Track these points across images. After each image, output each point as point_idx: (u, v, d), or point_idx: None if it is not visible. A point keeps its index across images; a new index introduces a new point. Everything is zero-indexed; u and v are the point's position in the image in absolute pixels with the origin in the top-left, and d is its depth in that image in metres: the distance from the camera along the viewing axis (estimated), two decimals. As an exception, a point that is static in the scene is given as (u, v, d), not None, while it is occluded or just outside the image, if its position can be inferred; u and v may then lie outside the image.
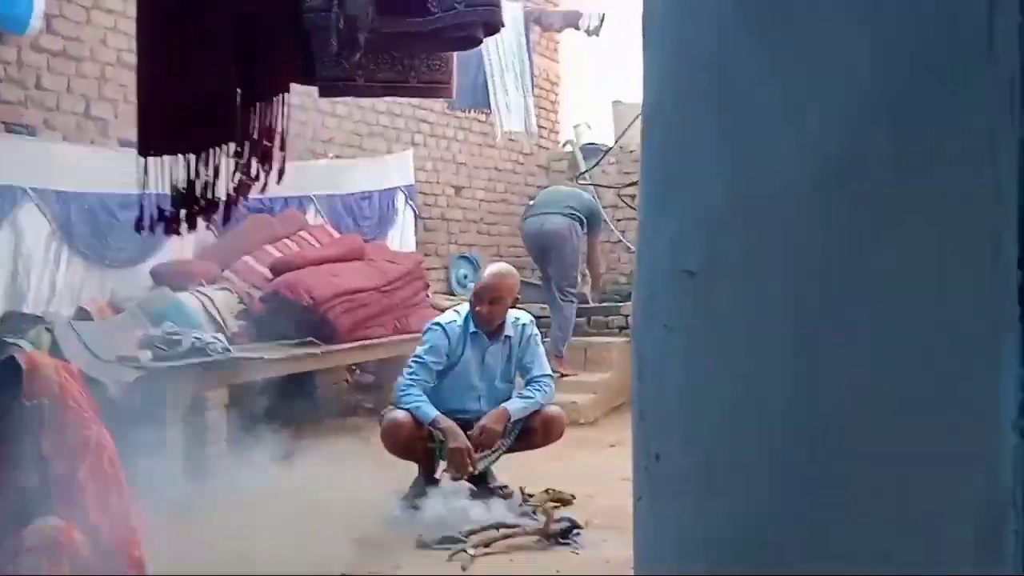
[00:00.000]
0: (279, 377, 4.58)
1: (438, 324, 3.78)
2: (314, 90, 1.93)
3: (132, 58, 5.26)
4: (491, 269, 3.85)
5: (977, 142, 0.89)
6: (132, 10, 5.30)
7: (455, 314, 3.83)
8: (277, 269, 5.19)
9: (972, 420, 0.90)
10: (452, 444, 3.47)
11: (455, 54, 2.02)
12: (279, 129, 1.73)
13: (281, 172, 1.78)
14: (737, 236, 0.98)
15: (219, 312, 4.75)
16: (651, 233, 1.04)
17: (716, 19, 0.99)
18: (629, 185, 6.39)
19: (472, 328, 3.72)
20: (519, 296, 3.87)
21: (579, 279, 6.29)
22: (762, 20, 0.97)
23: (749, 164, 0.97)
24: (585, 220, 6.19)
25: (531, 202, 6.82)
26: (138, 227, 1.81)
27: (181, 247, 5.04)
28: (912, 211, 0.91)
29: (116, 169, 5.00)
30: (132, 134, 5.23)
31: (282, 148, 1.75)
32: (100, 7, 5.28)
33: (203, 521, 3.42)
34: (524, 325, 3.84)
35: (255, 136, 1.69)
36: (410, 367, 3.70)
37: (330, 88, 1.86)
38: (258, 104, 1.68)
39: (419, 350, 3.75)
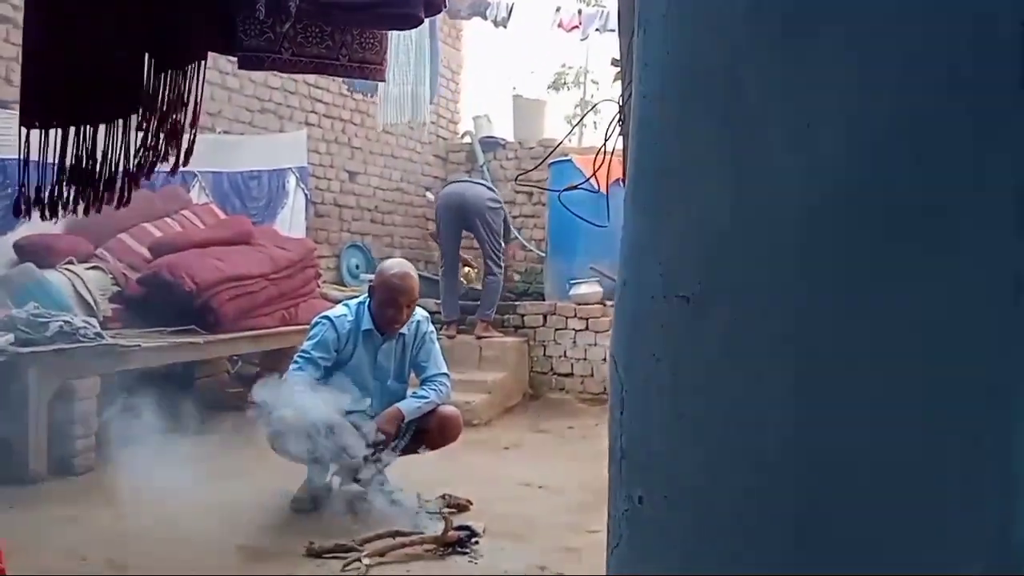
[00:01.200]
0: (156, 367, 4.27)
1: (327, 318, 3.59)
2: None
3: (9, 11, 4.84)
4: (398, 270, 3.60)
5: (1002, 177, 0.84)
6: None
7: (345, 308, 3.65)
8: (157, 250, 4.84)
9: (981, 469, 0.85)
10: (344, 444, 3.29)
11: (389, 33, 1.86)
12: (192, 102, 1.53)
13: (190, 150, 1.59)
14: (739, 261, 0.89)
15: (90, 293, 4.38)
16: (641, 252, 0.94)
17: (725, 29, 0.91)
18: (521, 174, 6.37)
19: (365, 325, 3.55)
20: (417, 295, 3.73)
21: (502, 249, 6.30)
22: (776, 34, 0.89)
23: (755, 185, 0.89)
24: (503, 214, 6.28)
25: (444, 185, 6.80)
26: (16, 210, 1.57)
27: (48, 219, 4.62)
28: (930, 245, 0.85)
29: (-20, 131, 4.55)
30: (6, 94, 4.79)
31: (193, 124, 1.56)
32: (-35, -50, 4.77)
33: (70, 523, 3.14)
34: (419, 322, 3.69)
35: (163, 108, 1.49)
36: (296, 362, 3.50)
37: (252, 60, 1.67)
38: (169, 72, 1.48)
39: (306, 344, 3.54)
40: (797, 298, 0.88)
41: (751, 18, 0.90)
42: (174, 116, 1.50)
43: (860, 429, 0.87)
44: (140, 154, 1.50)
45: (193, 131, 1.58)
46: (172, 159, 1.54)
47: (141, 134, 1.51)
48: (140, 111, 1.50)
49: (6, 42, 4.93)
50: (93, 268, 4.58)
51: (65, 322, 3.79)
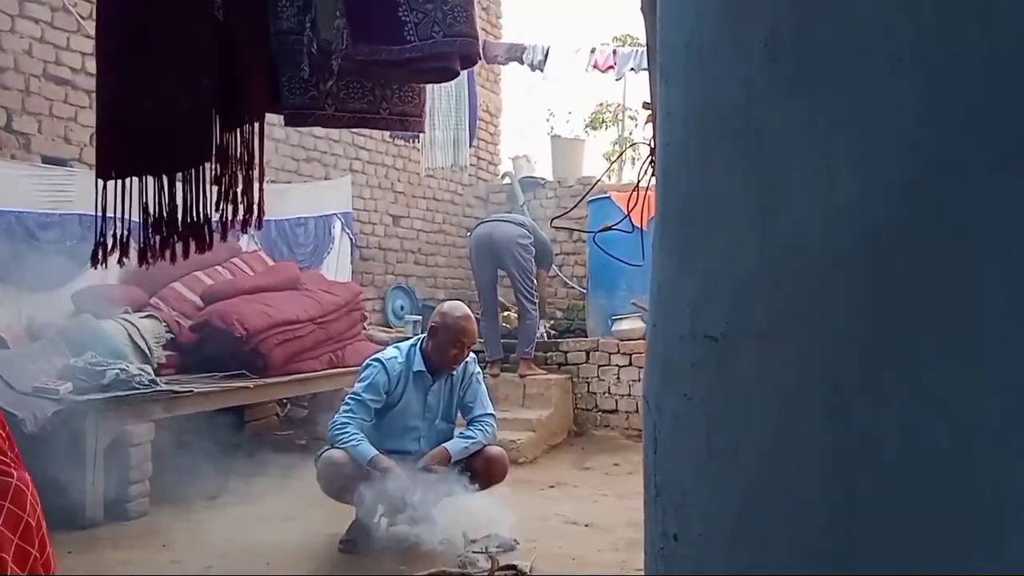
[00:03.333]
0: (208, 411, 4.36)
1: (378, 360, 3.64)
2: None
3: (58, 71, 5.07)
4: (461, 313, 3.68)
5: (1021, 214, 0.85)
6: (59, 21, 5.11)
7: (396, 350, 3.71)
8: (208, 297, 4.97)
9: (1015, 499, 0.85)
10: (392, 485, 3.33)
11: (427, 86, 1.94)
12: (257, 156, 1.61)
13: (261, 203, 1.67)
14: (765, 300, 0.92)
15: (145, 341, 4.50)
16: (669, 294, 0.97)
17: (743, 77, 0.94)
18: (558, 216, 6.42)
19: (416, 367, 3.61)
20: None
21: (535, 286, 6.30)
22: (795, 73, 0.92)
23: (779, 224, 0.92)
24: (537, 245, 6.28)
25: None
26: (94, 260, 1.65)
27: (104, 271, 4.77)
28: (952, 282, 0.86)
29: (38, 186, 4.75)
30: (56, 150, 5.02)
31: (260, 178, 1.63)
32: (26, 15, 5.02)
33: (125, 566, 3.21)
34: (467, 363, 3.74)
35: (236, 164, 1.57)
36: (347, 404, 3.55)
37: (298, 117, 1.75)
38: (236, 130, 1.56)
39: (358, 387, 3.60)
40: (823, 336, 0.90)
41: (767, 66, 0.93)
42: (246, 171, 1.58)
43: (891, 465, 0.88)
44: (220, 207, 1.58)
45: (260, 186, 1.65)
46: (244, 211, 1.62)
47: (217, 188, 1.60)
48: (214, 165, 1.58)
49: (65, 103, 5.15)
50: (148, 316, 4.72)
51: (121, 370, 3.91)
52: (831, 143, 0.90)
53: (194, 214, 1.59)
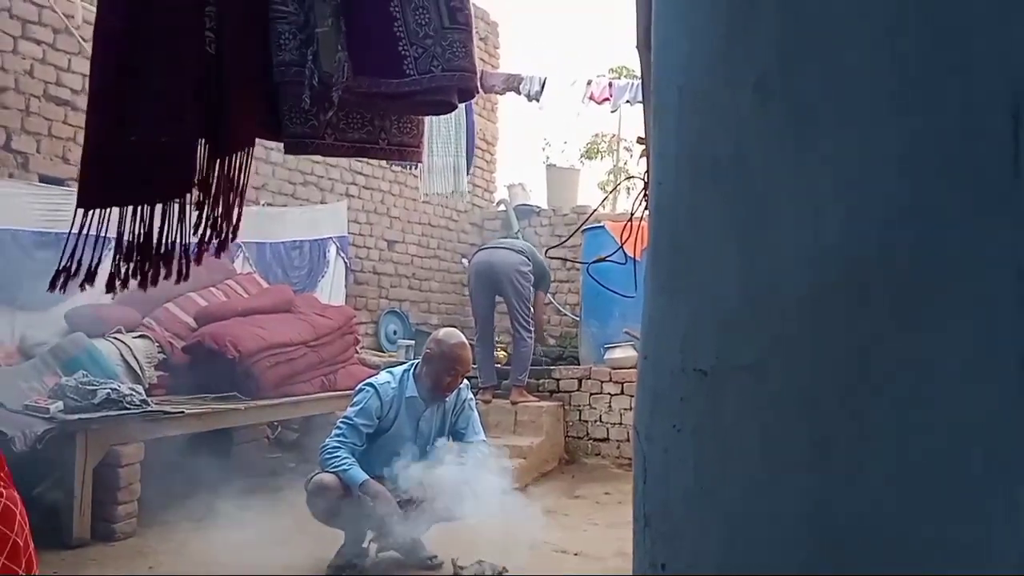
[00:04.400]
0: (198, 433, 4.35)
1: (371, 385, 3.66)
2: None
3: (59, 92, 5.12)
4: (456, 340, 3.71)
5: (1002, 258, 0.89)
6: (61, 42, 5.16)
7: (389, 375, 3.72)
8: (202, 319, 4.99)
9: (996, 538, 0.88)
10: (381, 510, 3.33)
11: (426, 117, 1.97)
12: (241, 184, 1.64)
13: (236, 228, 1.69)
14: (752, 336, 0.94)
15: (137, 361, 4.51)
16: (660, 327, 0.99)
17: (733, 119, 0.97)
18: (555, 247, 6.49)
19: (409, 393, 3.62)
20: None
21: (531, 314, 6.31)
22: (781, 123, 0.95)
23: (765, 262, 0.95)
24: (535, 270, 6.30)
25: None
26: (52, 285, 1.67)
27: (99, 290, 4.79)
28: (934, 321, 0.89)
29: (34, 205, 4.78)
30: (54, 170, 5.05)
31: (240, 204, 1.66)
32: (29, 36, 5.07)
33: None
34: (460, 389, 3.76)
35: (217, 191, 1.59)
36: (339, 428, 3.56)
37: (297, 146, 1.78)
38: (225, 159, 1.59)
39: (350, 411, 3.61)
40: (808, 371, 0.92)
41: (757, 110, 0.96)
42: (228, 197, 1.61)
43: (875, 498, 0.90)
44: (200, 234, 1.61)
45: (239, 211, 1.68)
46: (222, 236, 1.64)
47: (196, 214, 1.62)
48: (196, 193, 1.61)
49: (64, 123, 5.20)
50: (140, 337, 4.73)
51: (112, 389, 3.91)
52: (817, 186, 0.93)
53: (168, 242, 1.62)
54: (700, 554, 0.92)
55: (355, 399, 3.64)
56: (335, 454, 3.47)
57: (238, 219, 1.72)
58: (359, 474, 3.41)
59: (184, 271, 1.66)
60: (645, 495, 0.98)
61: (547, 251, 6.77)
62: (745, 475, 0.92)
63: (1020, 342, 0.87)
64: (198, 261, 1.64)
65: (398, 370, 3.75)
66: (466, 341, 3.74)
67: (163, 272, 1.65)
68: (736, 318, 0.94)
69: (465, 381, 3.82)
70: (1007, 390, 0.88)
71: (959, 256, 0.88)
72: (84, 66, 5.19)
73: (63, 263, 1.71)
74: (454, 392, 3.71)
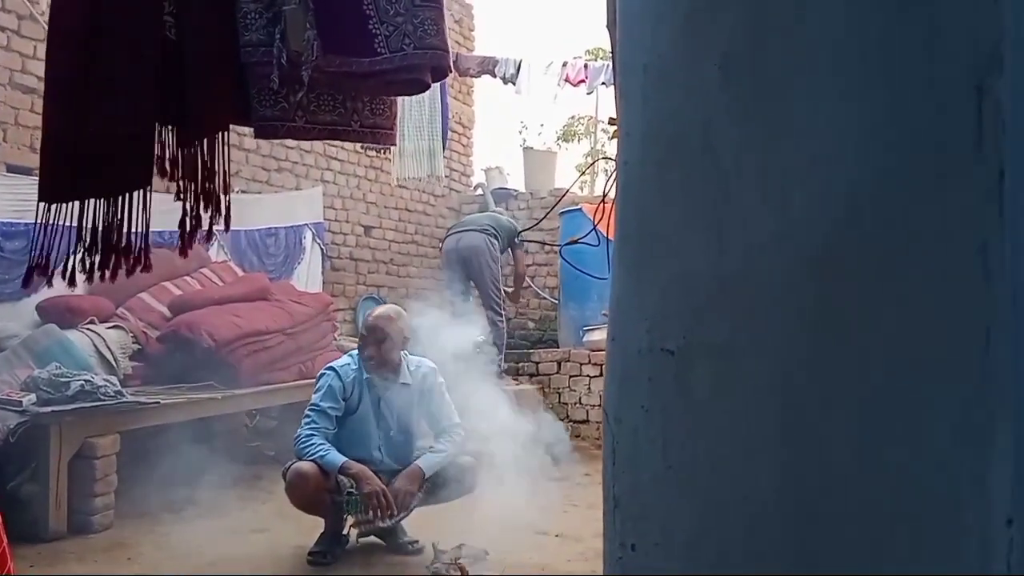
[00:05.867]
0: (175, 423, 4.32)
1: (331, 368, 3.67)
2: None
3: (24, 79, 5.02)
4: (377, 310, 3.78)
5: (965, 231, 0.89)
6: (26, 29, 5.06)
7: (349, 358, 3.72)
8: (176, 308, 4.93)
9: (963, 510, 0.88)
10: (366, 488, 3.32)
11: (398, 99, 1.95)
12: (220, 169, 1.61)
13: (227, 217, 1.67)
14: (721, 315, 0.94)
15: (111, 352, 4.46)
16: (627, 308, 0.99)
17: (699, 97, 0.96)
18: (527, 229, 6.52)
19: (366, 374, 3.62)
20: (408, 337, 3.77)
21: (502, 296, 6.44)
22: (747, 100, 0.95)
23: (734, 241, 0.94)
24: (503, 239, 6.48)
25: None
26: (26, 281, 1.64)
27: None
28: (901, 296, 0.89)
29: (2, 196, 4.70)
30: (21, 159, 4.95)
31: (225, 191, 1.64)
32: (-8, 24, 4.97)
33: (87, 582, 3.17)
34: (425, 374, 3.73)
35: (195, 178, 1.57)
36: (308, 416, 3.55)
37: (267, 129, 1.75)
38: (197, 144, 1.56)
39: (315, 397, 3.60)
40: (778, 349, 0.92)
41: (723, 86, 0.96)
42: (207, 185, 1.58)
43: (845, 473, 0.90)
44: (180, 224, 1.59)
45: (227, 197, 1.66)
46: (209, 223, 1.62)
47: (179, 203, 1.59)
48: (175, 181, 1.58)
49: (31, 112, 5.10)
50: (114, 327, 4.67)
51: (86, 381, 3.86)
52: (783, 163, 0.92)
53: (129, 234, 1.60)
54: (669, 534, 0.92)
55: (317, 384, 3.65)
56: (309, 441, 3.46)
57: (227, 208, 1.70)
58: (337, 457, 3.41)
59: (146, 262, 1.63)
60: (615, 476, 0.97)
61: (521, 233, 6.76)
62: (714, 454, 0.92)
63: (985, 316, 0.88)
64: (183, 252, 1.62)
65: (357, 353, 3.75)
66: (390, 314, 3.70)
67: (129, 264, 1.62)
68: (704, 297, 0.94)
69: (432, 364, 3.80)
70: (973, 365, 0.88)
71: (924, 231, 0.88)
72: (50, 53, 5.10)
73: (32, 260, 1.68)
74: (420, 376, 3.70)
